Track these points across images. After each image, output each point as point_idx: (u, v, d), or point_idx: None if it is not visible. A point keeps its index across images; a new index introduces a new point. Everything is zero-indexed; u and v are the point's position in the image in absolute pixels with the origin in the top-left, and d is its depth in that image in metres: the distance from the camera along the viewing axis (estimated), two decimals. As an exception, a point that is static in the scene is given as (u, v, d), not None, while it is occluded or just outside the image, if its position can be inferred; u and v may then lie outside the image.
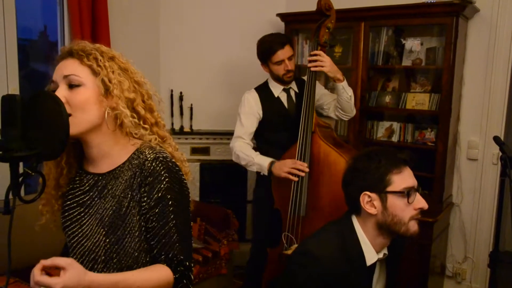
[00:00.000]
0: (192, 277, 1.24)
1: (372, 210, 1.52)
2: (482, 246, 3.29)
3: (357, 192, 1.55)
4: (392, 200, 1.50)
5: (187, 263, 1.22)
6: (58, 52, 3.41)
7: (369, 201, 1.53)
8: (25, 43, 3.38)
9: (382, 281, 1.68)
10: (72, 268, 1.01)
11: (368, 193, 1.52)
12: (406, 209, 1.50)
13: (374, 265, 1.58)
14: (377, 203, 1.52)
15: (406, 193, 1.49)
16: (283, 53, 2.74)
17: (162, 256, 1.20)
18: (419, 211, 1.52)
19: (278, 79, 2.82)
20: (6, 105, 1.00)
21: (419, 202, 1.51)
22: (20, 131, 1.01)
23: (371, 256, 1.56)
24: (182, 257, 1.21)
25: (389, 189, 1.49)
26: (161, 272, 1.18)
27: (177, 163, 1.30)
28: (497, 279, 2.23)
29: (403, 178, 1.50)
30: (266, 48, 2.77)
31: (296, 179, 2.49)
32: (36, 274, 1.02)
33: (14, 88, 2.86)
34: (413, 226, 1.53)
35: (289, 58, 2.76)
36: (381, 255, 1.59)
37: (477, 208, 3.29)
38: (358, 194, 1.54)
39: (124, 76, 1.26)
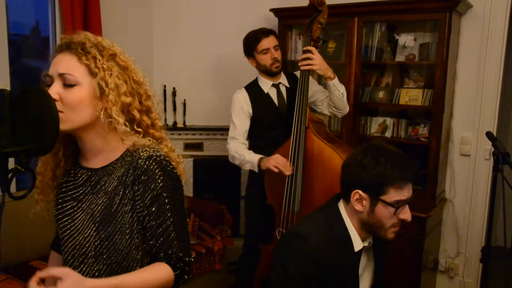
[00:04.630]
0: (191, 270, 1.25)
1: (359, 208, 1.54)
2: (475, 241, 3.31)
3: (352, 186, 1.55)
4: (380, 207, 1.51)
5: (187, 259, 1.22)
6: (50, 47, 3.39)
7: (359, 199, 1.54)
8: (17, 38, 3.35)
9: (369, 270, 1.71)
10: (69, 278, 1.01)
11: (360, 192, 1.52)
12: (390, 218, 1.52)
13: (360, 252, 1.61)
14: (366, 203, 1.53)
15: (396, 207, 1.50)
16: (268, 41, 2.76)
17: (161, 254, 1.21)
18: (401, 221, 1.54)
19: (266, 72, 2.82)
20: (-6, 101, 0.99)
21: (404, 213, 1.52)
22: (8, 126, 0.99)
23: (357, 243, 1.59)
24: (181, 254, 1.21)
25: (382, 198, 1.50)
26: (160, 271, 1.18)
27: (172, 163, 1.29)
28: (489, 274, 2.24)
29: (400, 193, 1.50)
30: (251, 38, 2.80)
31: (277, 170, 2.49)
32: (33, 285, 1.02)
33: (4, 84, 2.84)
34: (390, 234, 1.55)
35: (275, 48, 2.78)
36: (366, 244, 1.62)
37: (469, 204, 3.31)
38: (352, 188, 1.54)
39: (123, 77, 1.23)
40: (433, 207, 3.05)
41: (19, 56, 3.44)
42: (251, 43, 2.80)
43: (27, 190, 1.13)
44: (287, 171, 2.48)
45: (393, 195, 1.49)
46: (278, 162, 2.50)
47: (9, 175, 1.03)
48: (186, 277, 1.23)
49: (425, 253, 2.98)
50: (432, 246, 3.22)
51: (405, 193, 1.50)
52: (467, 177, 3.30)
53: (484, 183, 3.23)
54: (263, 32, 2.79)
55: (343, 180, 1.61)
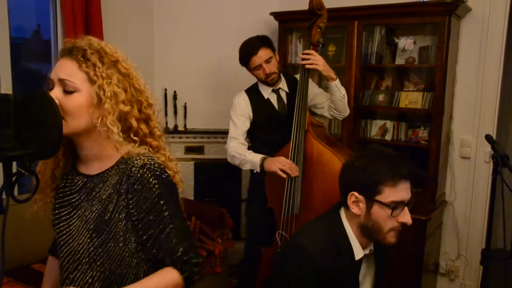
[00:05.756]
0: (199, 270, 1.25)
1: (356, 210, 1.54)
2: (475, 244, 3.31)
3: (347, 188, 1.55)
4: (377, 208, 1.49)
5: (194, 260, 1.23)
6: (52, 50, 3.39)
7: (355, 201, 1.53)
8: (18, 42, 3.37)
9: (370, 277, 1.70)
10: None
11: (356, 194, 1.52)
12: (388, 220, 1.49)
13: (361, 260, 1.60)
14: (362, 205, 1.52)
15: (392, 207, 1.47)
16: (258, 58, 2.73)
17: (167, 260, 1.21)
18: (401, 225, 1.50)
19: (263, 82, 2.84)
20: (-1, 105, 1.00)
21: (404, 216, 1.49)
22: (13, 130, 1.00)
23: (358, 251, 1.58)
24: (185, 258, 1.22)
25: (377, 198, 1.48)
26: (167, 277, 1.19)
27: (169, 172, 1.29)
28: (489, 276, 2.25)
29: (395, 192, 1.48)
30: (242, 56, 2.80)
31: (284, 176, 2.49)
32: None
33: (7, 88, 2.84)
34: (391, 238, 1.52)
35: (267, 61, 2.74)
36: (367, 251, 1.61)
37: (470, 206, 3.31)
38: (347, 192, 1.55)
39: (123, 85, 1.23)
40: (433, 209, 3.06)
41: (21, 59, 3.45)
42: (243, 59, 2.81)
43: (30, 193, 1.14)
44: (295, 172, 2.49)
45: (388, 195, 1.47)
46: (283, 164, 2.49)
47: (13, 179, 1.03)
48: (195, 278, 1.23)
49: (426, 256, 2.98)
50: (432, 249, 3.22)
51: (401, 193, 1.48)
52: (467, 179, 3.31)
53: (484, 186, 3.23)
54: (252, 49, 2.73)
55: (340, 184, 1.62)
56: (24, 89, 3.18)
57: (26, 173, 1.05)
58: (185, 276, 1.21)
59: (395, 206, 1.47)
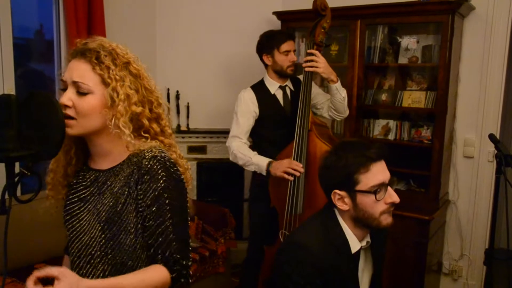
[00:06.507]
0: (190, 275, 1.25)
1: (344, 207, 1.55)
2: (478, 243, 3.30)
3: (328, 189, 1.58)
4: (361, 197, 1.51)
5: (184, 262, 1.22)
6: (54, 50, 3.38)
7: (339, 198, 1.55)
8: (21, 42, 3.37)
9: (368, 270, 1.71)
10: (65, 277, 1.01)
11: (337, 191, 1.54)
12: (376, 205, 1.50)
13: (358, 253, 1.61)
14: (347, 200, 1.54)
15: (374, 192, 1.49)
16: (291, 44, 2.80)
17: (159, 255, 1.21)
18: (391, 205, 1.52)
19: (280, 72, 2.83)
20: (1, 105, 1.00)
21: (390, 196, 1.51)
22: (15, 131, 1.01)
23: (354, 244, 1.59)
24: (178, 256, 1.21)
25: (357, 188, 1.50)
26: (157, 273, 1.19)
27: (180, 169, 1.31)
28: (492, 276, 2.24)
29: (371, 177, 1.49)
30: (274, 37, 2.82)
31: (291, 178, 2.51)
32: (29, 284, 1.01)
33: (10, 88, 2.85)
34: (385, 219, 1.53)
35: (294, 51, 2.83)
36: (364, 243, 1.62)
37: (473, 206, 3.30)
38: (329, 192, 1.57)
39: (135, 86, 1.25)
40: (437, 209, 3.05)
41: (24, 59, 3.46)
42: (274, 41, 2.80)
43: (33, 194, 1.15)
44: (301, 169, 2.50)
45: (366, 182, 1.49)
46: (287, 167, 2.51)
47: (16, 179, 1.04)
48: (182, 280, 1.22)
49: (429, 256, 2.98)
50: (435, 249, 3.22)
51: (378, 175, 1.50)
52: (470, 179, 3.29)
53: (487, 185, 3.22)
54: (289, 35, 2.85)
55: (321, 187, 1.64)
56: (27, 89, 3.18)
57: (29, 174, 1.05)
58: (173, 276, 1.20)
59: (376, 189, 1.49)
